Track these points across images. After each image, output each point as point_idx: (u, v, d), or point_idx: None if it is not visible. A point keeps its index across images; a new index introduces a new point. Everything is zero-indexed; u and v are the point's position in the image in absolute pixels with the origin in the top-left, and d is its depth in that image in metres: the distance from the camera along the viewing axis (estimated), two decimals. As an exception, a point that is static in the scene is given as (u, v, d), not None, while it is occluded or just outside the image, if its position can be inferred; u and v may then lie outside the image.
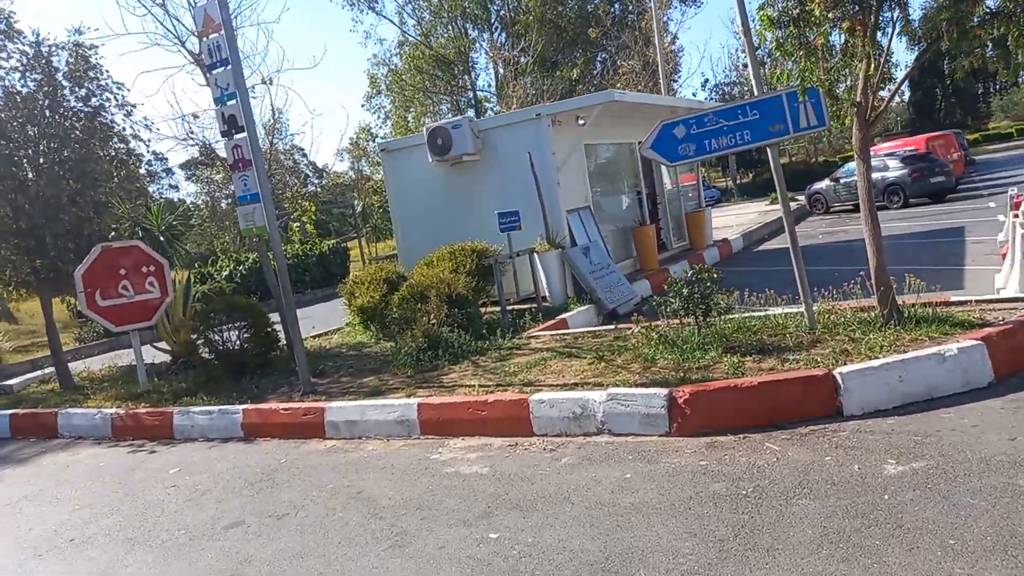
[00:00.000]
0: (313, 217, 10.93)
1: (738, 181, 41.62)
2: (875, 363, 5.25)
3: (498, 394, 6.37)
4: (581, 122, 11.99)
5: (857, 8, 5.64)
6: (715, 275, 6.82)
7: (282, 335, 10.12)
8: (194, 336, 10.35)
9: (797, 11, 5.71)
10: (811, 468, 4.43)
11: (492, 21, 44.74)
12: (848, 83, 6.42)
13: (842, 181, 22.48)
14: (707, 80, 40.50)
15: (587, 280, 10.77)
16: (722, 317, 6.77)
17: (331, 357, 10.20)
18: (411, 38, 45.88)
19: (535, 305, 11.04)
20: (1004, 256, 10.17)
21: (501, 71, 39.86)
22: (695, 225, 15.91)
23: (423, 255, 11.22)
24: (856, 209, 22.98)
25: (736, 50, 43.05)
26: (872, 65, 6.00)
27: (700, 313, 6.63)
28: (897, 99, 51.38)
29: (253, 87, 9.93)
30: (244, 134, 7.90)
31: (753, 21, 6.46)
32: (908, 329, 6.09)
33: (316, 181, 72.10)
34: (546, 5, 38.10)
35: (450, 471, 5.46)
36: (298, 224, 11.29)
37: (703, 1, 44.27)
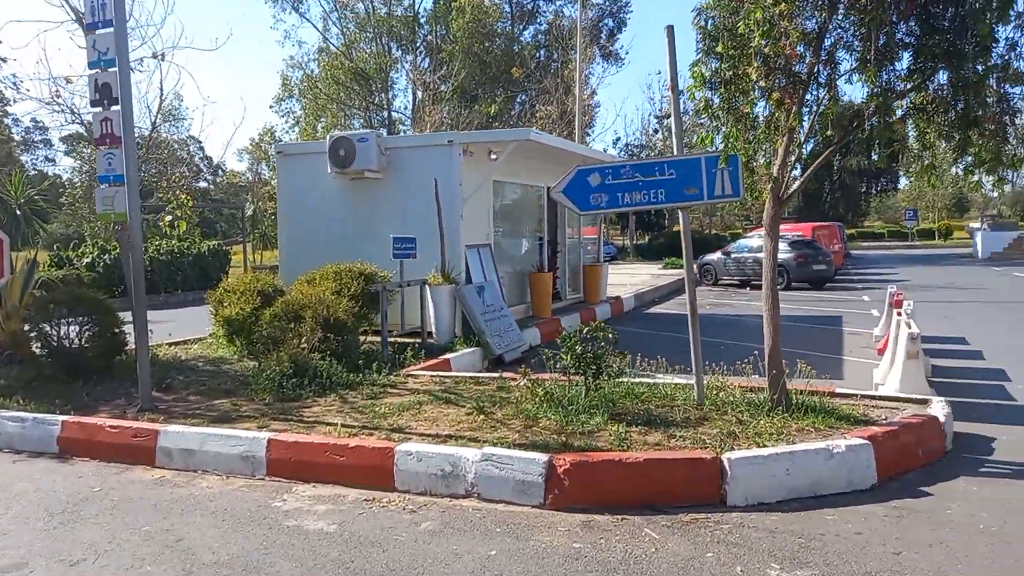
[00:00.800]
0: (189, 213, 9.83)
1: (635, 241, 42.69)
2: (763, 452, 4.98)
3: (362, 438, 5.70)
4: (493, 156, 11.62)
5: (788, 82, 5.51)
6: (611, 335, 6.47)
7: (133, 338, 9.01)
8: (26, 327, 9.07)
9: (731, 73, 5.52)
10: (691, 565, 4.03)
11: (417, 44, 44.43)
12: (766, 158, 6.31)
13: (732, 256, 23.25)
14: (619, 138, 41.61)
15: (477, 321, 10.28)
16: (613, 380, 6.40)
17: (184, 370, 9.17)
18: (332, 47, 44.84)
19: (420, 340, 10.42)
20: (880, 351, 10.48)
21: (420, 95, 39.43)
22: (591, 279, 15.81)
23: (307, 271, 10.40)
24: (742, 284, 23.97)
25: (648, 115, 44.63)
26: (793, 142, 5.89)
27: (591, 374, 6.23)
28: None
29: (141, 60, 8.97)
30: (118, 107, 6.98)
31: (683, 77, 6.26)
32: (796, 417, 5.92)
33: (209, 177, 68.71)
34: (473, 38, 38.16)
35: (292, 524, 4.73)
36: (171, 218, 10.15)
37: (624, 61, 45.54)
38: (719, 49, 5.63)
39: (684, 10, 6.02)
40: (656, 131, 42.85)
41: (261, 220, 42.32)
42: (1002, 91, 5.56)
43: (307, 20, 45.90)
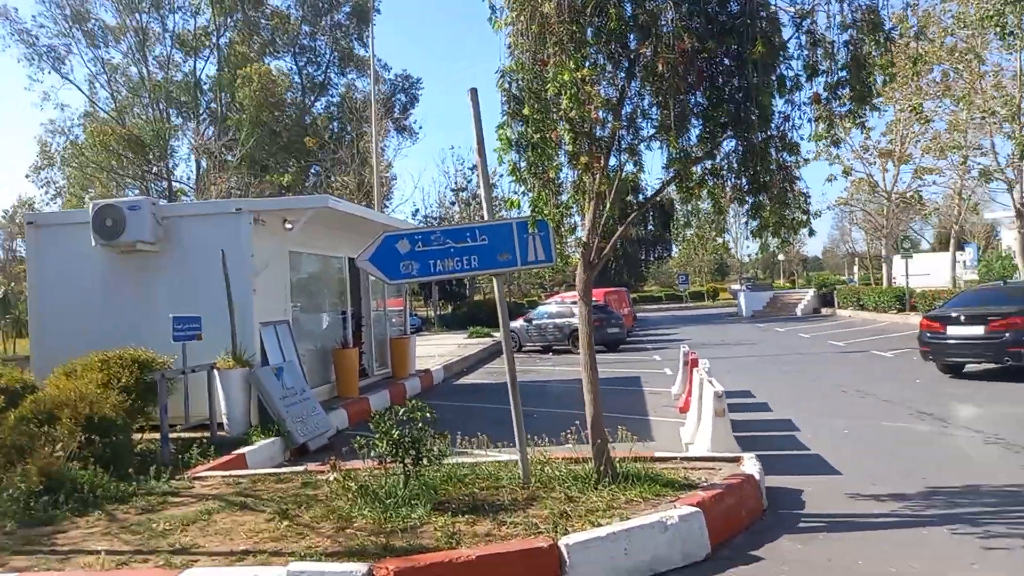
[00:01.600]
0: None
1: (439, 311, 42.65)
2: (600, 532, 4.69)
3: (134, 569, 4.64)
4: (289, 226, 10.82)
5: (593, 146, 5.51)
6: (428, 414, 5.95)
7: None
8: None
9: (537, 136, 5.41)
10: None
11: (201, 112, 42.05)
12: (575, 221, 6.26)
13: (534, 323, 23.79)
14: (418, 210, 41.81)
15: (276, 407, 9.27)
16: (434, 465, 5.86)
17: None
18: (101, 111, 41.12)
19: (209, 434, 9.18)
20: (682, 409, 10.89)
21: (204, 164, 37.11)
22: (399, 352, 15.20)
23: (68, 361, 8.84)
24: (545, 349, 24.54)
25: (444, 187, 45.43)
26: (601, 206, 5.89)
27: (410, 460, 5.65)
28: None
29: None
30: None
31: (490, 141, 6.10)
32: (622, 487, 5.74)
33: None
34: (261, 108, 36.79)
35: None
36: None
37: (418, 135, 46.31)
38: (525, 112, 5.53)
39: (462, 96, 5.87)
40: (453, 203, 43.63)
41: (14, 303, 36.91)
42: (781, 160, 5.96)
43: (70, 82, 41.75)
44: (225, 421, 9.36)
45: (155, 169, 40.77)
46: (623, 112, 5.78)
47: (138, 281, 10.13)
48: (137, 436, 8.82)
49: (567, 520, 5.09)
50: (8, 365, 13.90)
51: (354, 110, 36.84)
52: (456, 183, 43.82)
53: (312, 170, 39.10)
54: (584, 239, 5.99)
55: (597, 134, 5.70)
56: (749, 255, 67.62)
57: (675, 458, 6.66)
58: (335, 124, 43.10)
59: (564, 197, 6.18)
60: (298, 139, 35.27)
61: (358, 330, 14.50)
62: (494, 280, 6.13)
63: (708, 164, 6.03)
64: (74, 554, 5.07)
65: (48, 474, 6.35)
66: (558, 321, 23.20)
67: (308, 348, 12.25)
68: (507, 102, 5.77)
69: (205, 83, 42.30)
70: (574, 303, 24.14)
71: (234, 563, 4.67)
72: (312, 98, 45.34)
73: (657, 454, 6.78)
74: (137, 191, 39.16)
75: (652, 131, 5.76)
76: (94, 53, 40.65)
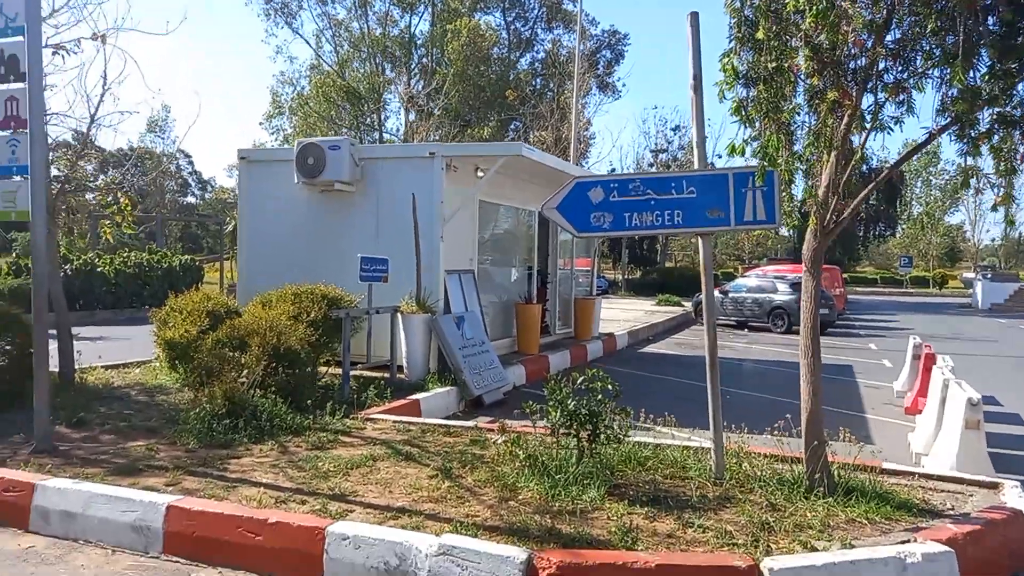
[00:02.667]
0: (130, 218, 8.58)
1: (627, 276, 41.62)
2: (815, 559, 3.75)
3: (286, 511, 4.42)
4: (480, 174, 10.47)
5: (845, 79, 4.39)
6: (611, 386, 5.24)
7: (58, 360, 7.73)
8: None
9: (774, 65, 4.38)
10: None
11: (412, 66, 43.63)
12: (807, 179, 5.16)
13: (730, 295, 22.17)
14: (614, 168, 40.55)
15: (455, 356, 9.03)
16: (612, 443, 5.16)
17: (111, 399, 7.88)
18: (325, 64, 43.96)
19: (388, 375, 9.16)
20: (909, 410, 9.31)
21: (412, 117, 38.52)
22: (583, 313, 14.61)
23: (268, 291, 9.16)
24: (739, 325, 22.82)
25: (643, 148, 43.87)
26: (844, 159, 4.75)
27: (585, 435, 4.99)
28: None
29: (78, 41, 7.78)
30: (24, 84, 5.78)
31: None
32: (841, 502, 4.70)
33: (198, 192, 67.20)
34: (468, 62, 37.35)
35: (171, 639, 3.44)
36: (110, 224, 8.93)
37: (621, 93, 44.92)
38: (759, 35, 4.51)
39: (680, 57, 4.92)
40: (651, 165, 41.94)
41: (243, 237, 41.04)
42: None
43: (300, 36, 45.22)
44: (405, 364, 9.28)
45: (368, 120, 43.13)
46: (885, 38, 4.57)
47: (334, 220, 10.29)
48: (322, 369, 9.00)
49: (769, 534, 4.19)
50: (232, 293, 15.05)
51: (557, 65, 36.30)
52: (656, 144, 42.16)
53: (512, 125, 39.30)
54: (820, 198, 4.89)
55: (850, 65, 4.56)
56: (992, 239, 59.38)
57: (909, 473, 5.44)
58: (537, 80, 42.92)
59: (799, 147, 5.12)
60: (500, 93, 35.46)
61: (543, 287, 14.07)
62: (699, 242, 5.23)
63: (998, 110, 4.65)
64: (240, 483, 4.99)
65: (231, 398, 6.45)
66: (758, 296, 21.42)
67: (491, 301, 11.99)
68: (736, 26, 4.77)
69: (418, 39, 43.79)
70: (777, 278, 22.17)
71: (387, 520, 4.30)
72: (517, 54, 45.43)
73: (886, 465, 5.59)
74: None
75: (927, 63, 4.50)
76: (322, 9, 43.33)
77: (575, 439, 5.04)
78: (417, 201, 9.33)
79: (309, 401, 7.26)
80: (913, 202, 58.91)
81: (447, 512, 4.52)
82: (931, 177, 60.07)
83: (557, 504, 4.65)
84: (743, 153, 4.87)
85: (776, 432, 5.72)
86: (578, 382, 5.16)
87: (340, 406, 7.23)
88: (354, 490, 4.91)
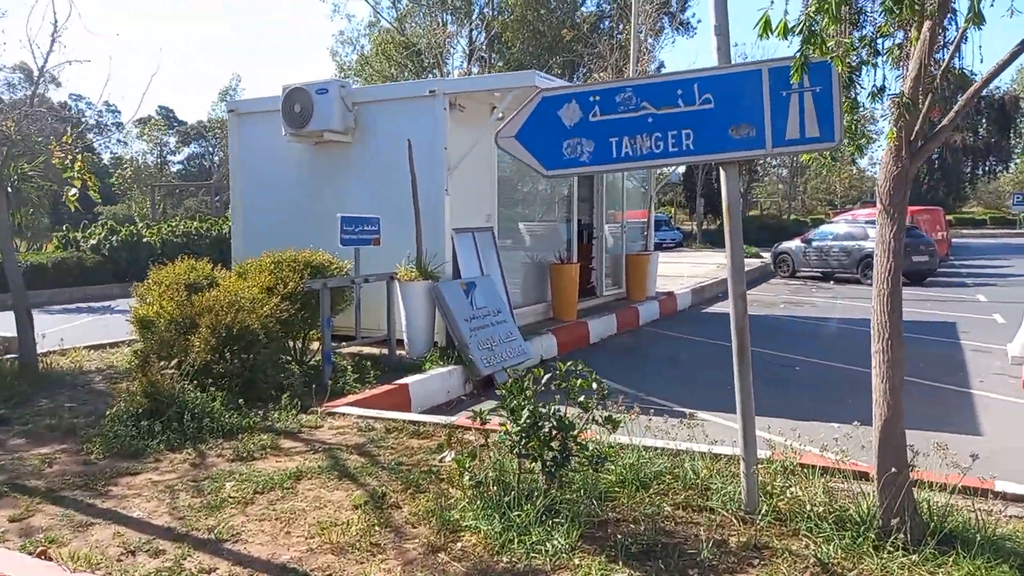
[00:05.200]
0: (87, 177, 7.51)
1: (703, 226, 39.09)
2: None
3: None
4: (499, 114, 8.92)
5: None
6: (595, 384, 3.74)
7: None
8: None
9: None
10: None
11: (473, 17, 41.79)
12: (884, 74, 3.44)
13: (814, 244, 19.87)
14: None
15: (458, 329, 7.66)
16: (586, 472, 3.67)
17: (66, 388, 6.96)
18: (384, 21, 42.67)
19: (387, 351, 7.91)
20: (1029, 384, 7.37)
21: (476, 70, 36.90)
22: (636, 271, 12.94)
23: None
24: (825, 277, 20.45)
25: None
26: (940, 31, 3.04)
27: (550, 461, 3.53)
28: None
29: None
30: None
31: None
32: (931, 557, 3.10)
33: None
34: (528, 6, 35.24)
35: None
36: (74, 191, 7.93)
37: (696, 30, 41.67)
38: None
39: None
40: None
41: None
42: None
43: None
44: (405, 340, 7.99)
45: (431, 77, 41.73)
46: None
47: (329, 176, 9.01)
48: (317, 345, 7.87)
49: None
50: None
51: (624, 3, 33.72)
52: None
53: (578, 72, 37.04)
54: (905, 95, 3.19)
55: None
56: None
57: (1040, 503, 3.74)
58: (605, 24, 40.27)
59: (867, 29, 3.45)
60: (562, 37, 33.28)
61: (588, 243, 12.48)
62: (722, 176, 3.59)
63: None
64: (102, 519, 3.81)
65: (155, 394, 5.30)
66: (846, 244, 19.03)
67: (522, 262, 10.54)
68: None
69: (480, -13, 41.82)
70: (868, 222, 19.62)
71: (247, 593, 3.01)
72: (582, -4, 42.81)
73: (1001, 485, 3.89)
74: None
75: None
76: (378, -39, 41.88)
77: (539, 462, 3.58)
78: (416, 148, 7.92)
79: (276, 390, 6.12)
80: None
81: (347, 570, 3.20)
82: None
83: (506, 558, 3.25)
84: (783, 35, 3.19)
85: (856, 424, 4.08)
86: (542, 381, 3.68)
87: (301, 397, 6.01)
88: (240, 531, 3.64)
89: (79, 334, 10.71)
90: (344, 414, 5.78)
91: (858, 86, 3.60)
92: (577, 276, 10.68)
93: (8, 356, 7.81)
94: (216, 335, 6.13)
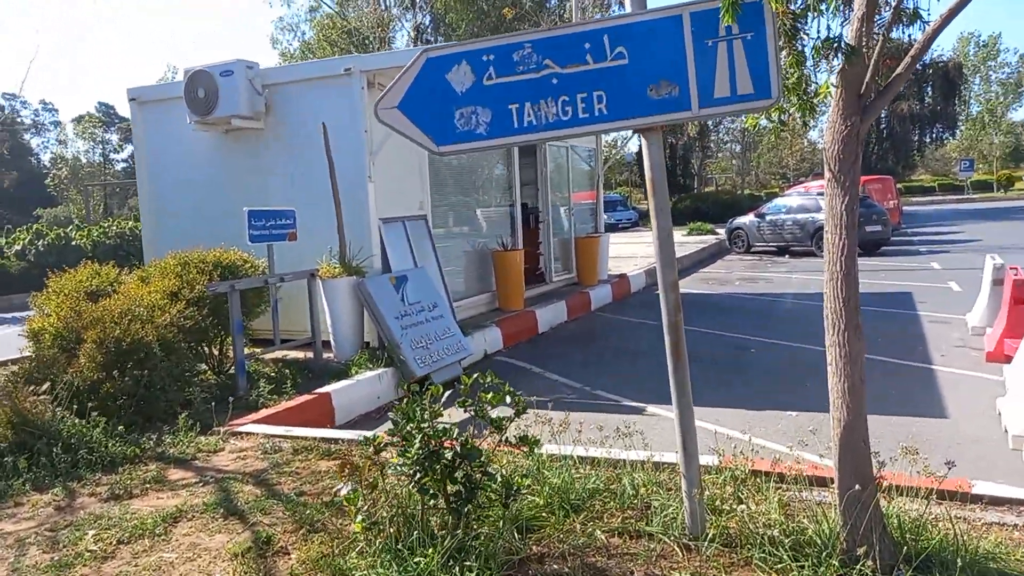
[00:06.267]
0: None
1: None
2: None
3: None
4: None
5: None
6: (513, 398, 3.17)
7: None
8: None
9: None
10: None
11: (417, 0, 40.72)
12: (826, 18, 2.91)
13: (768, 218, 19.58)
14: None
15: (387, 328, 7.05)
16: (507, 503, 3.09)
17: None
18: (325, 5, 41.32)
19: (311, 355, 7.27)
20: (992, 356, 7.04)
21: (419, 54, 35.80)
22: (586, 254, 12.42)
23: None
24: (780, 251, 20.25)
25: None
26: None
27: (453, 496, 2.95)
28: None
29: None
30: None
31: None
32: (905, 584, 2.62)
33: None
34: (471, -14, 34.39)
35: None
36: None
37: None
38: None
39: None
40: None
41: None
42: None
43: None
44: (332, 342, 7.35)
45: (374, 61, 40.54)
46: None
47: (244, 167, 8.27)
48: (252, 350, 7.22)
49: None
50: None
51: (570, -21, 33.01)
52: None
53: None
54: (851, 40, 2.67)
55: None
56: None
57: (1020, 502, 3.29)
58: (551, 0, 39.55)
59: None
60: (502, 17, 32.54)
61: (535, 227, 11.92)
62: (642, 144, 3.03)
63: None
64: (-78, 593, 3.15)
65: (22, 424, 4.60)
66: (799, 217, 18.77)
67: (464, 250, 9.93)
68: None
69: (421, -33, 40.70)
70: (820, 194, 19.41)
71: None
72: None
73: (977, 486, 3.44)
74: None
75: None
76: (314, -58, 40.53)
77: (440, 497, 3.00)
78: (333, 132, 7.24)
79: (178, 408, 5.47)
80: (971, 101, 53.98)
81: (206, 648, 2.60)
82: (991, 72, 54.97)
83: (402, 618, 2.68)
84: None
85: (802, 430, 3.60)
86: (433, 396, 3.09)
87: (203, 415, 5.36)
88: (87, 598, 3.01)
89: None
90: (249, 433, 5.13)
91: (804, 35, 3.08)
92: (522, 263, 10.12)
93: None
94: (104, 350, 5.43)
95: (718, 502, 3.42)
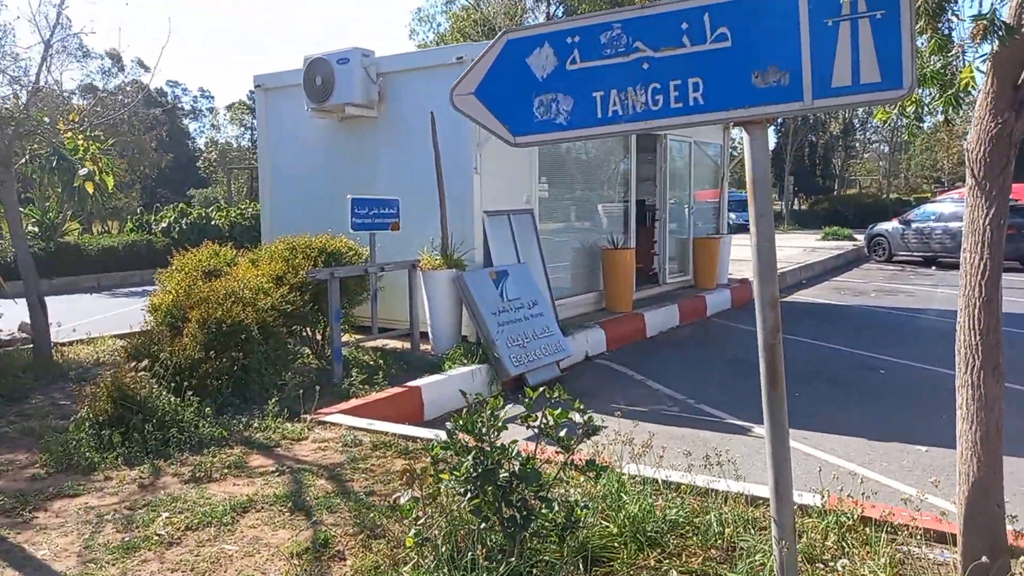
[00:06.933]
0: (111, 165, 7.13)
1: (792, 206, 36.74)
2: None
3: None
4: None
5: None
6: (580, 413, 2.89)
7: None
8: None
9: None
10: None
11: (551, -10, 40.57)
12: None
13: (913, 225, 17.98)
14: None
15: (484, 324, 6.89)
16: (563, 535, 2.81)
17: (68, 382, 6.57)
18: (461, -2, 42.02)
19: (409, 345, 7.25)
20: None
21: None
22: (704, 256, 11.79)
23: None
24: (926, 262, 18.52)
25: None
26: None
27: (507, 520, 2.70)
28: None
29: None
30: None
31: None
32: None
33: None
34: (605, -25, 33.78)
35: None
36: (84, 171, 7.56)
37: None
38: None
39: None
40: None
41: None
42: None
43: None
44: (430, 334, 7.29)
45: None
46: None
47: (356, 155, 8.37)
48: (348, 338, 7.36)
49: None
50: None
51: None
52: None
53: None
54: (1008, 19, 2.19)
55: None
56: None
57: None
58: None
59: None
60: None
61: (651, 225, 11.44)
62: (744, 139, 2.64)
63: None
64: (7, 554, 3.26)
65: (121, 399, 4.77)
66: (951, 225, 17.09)
67: (573, 247, 9.65)
68: None
69: (556, -42, 40.54)
70: (976, 202, 17.61)
71: None
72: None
73: None
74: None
75: None
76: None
77: (497, 518, 2.75)
78: (442, 122, 7.17)
79: (276, 391, 5.57)
80: None
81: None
82: None
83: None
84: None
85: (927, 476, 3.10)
86: (488, 412, 2.83)
87: (291, 402, 5.39)
88: (142, 584, 3.01)
89: (131, 318, 10.58)
90: (334, 424, 5.11)
91: (953, 16, 2.61)
92: (633, 262, 9.70)
93: (27, 345, 7.60)
94: (205, 330, 5.59)
95: (817, 550, 3.00)
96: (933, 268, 17.05)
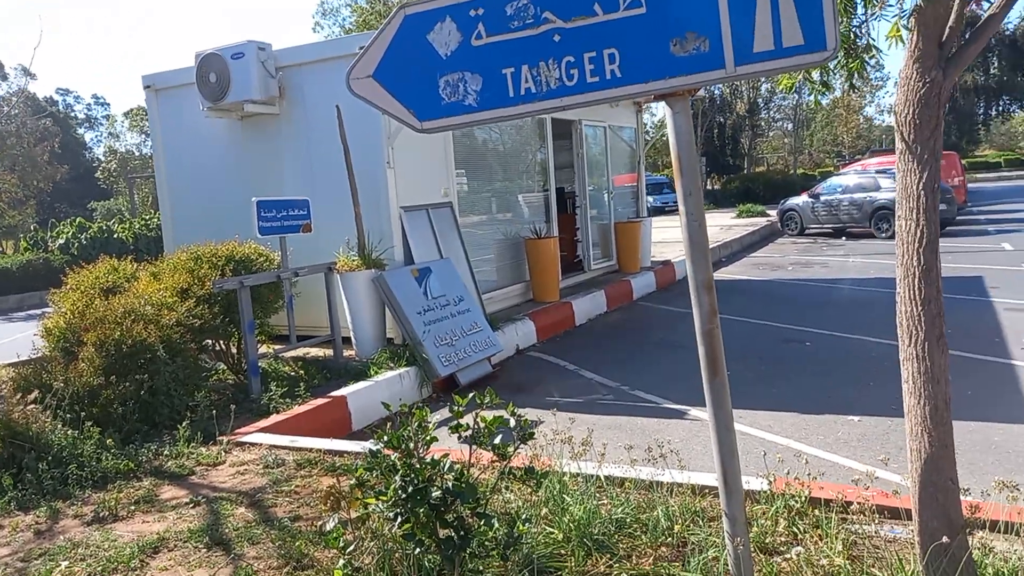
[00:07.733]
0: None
1: (706, 186, 37.63)
2: None
3: None
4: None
5: None
6: (514, 418, 2.69)
7: None
8: None
9: None
10: None
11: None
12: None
13: (822, 199, 18.58)
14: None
15: (409, 325, 6.62)
16: (505, 554, 2.60)
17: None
18: (364, -9, 41.17)
19: (331, 352, 6.91)
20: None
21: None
22: (627, 240, 11.80)
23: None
24: (835, 234, 19.18)
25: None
26: None
27: (444, 542, 2.47)
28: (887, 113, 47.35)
29: None
30: None
31: None
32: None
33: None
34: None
35: None
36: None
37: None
38: None
39: None
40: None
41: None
42: None
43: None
44: (353, 339, 6.97)
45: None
46: None
47: (260, 155, 7.92)
48: (265, 349, 6.92)
49: None
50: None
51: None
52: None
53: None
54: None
55: None
56: None
57: None
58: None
59: None
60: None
61: (571, 213, 11.37)
62: (667, 114, 2.49)
63: None
64: None
65: (10, 436, 4.30)
66: (856, 196, 17.74)
67: (496, 239, 9.45)
68: None
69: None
70: (880, 172, 18.36)
71: None
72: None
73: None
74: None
75: None
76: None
77: (432, 540, 2.52)
78: (349, 116, 6.82)
79: (188, 413, 5.15)
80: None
81: None
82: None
83: None
84: None
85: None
86: (406, 430, 2.60)
87: (205, 424, 5.01)
88: (32, 651, 2.65)
89: (27, 344, 9.80)
90: (253, 444, 4.77)
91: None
92: (557, 251, 9.59)
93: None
94: (104, 353, 5.13)
95: (769, 538, 2.91)
96: (843, 239, 17.67)
